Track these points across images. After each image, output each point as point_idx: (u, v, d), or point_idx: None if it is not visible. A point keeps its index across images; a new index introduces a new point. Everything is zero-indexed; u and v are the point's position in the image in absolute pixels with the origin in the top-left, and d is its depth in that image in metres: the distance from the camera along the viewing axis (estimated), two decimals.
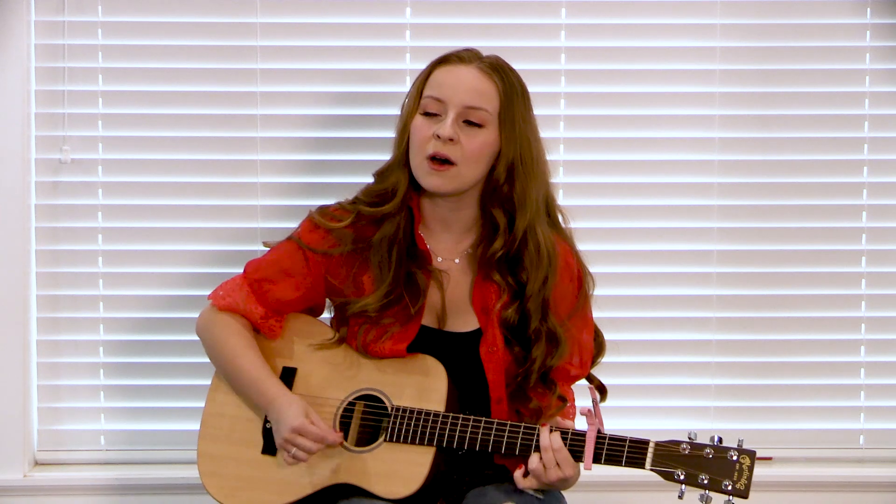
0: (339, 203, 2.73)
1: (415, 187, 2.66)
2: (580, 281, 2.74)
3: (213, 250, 3.32)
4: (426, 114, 2.60)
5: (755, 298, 3.37)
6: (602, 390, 2.74)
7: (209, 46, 3.29)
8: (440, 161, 2.57)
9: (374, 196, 2.67)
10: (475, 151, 2.59)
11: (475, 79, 2.60)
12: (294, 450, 2.55)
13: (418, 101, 2.62)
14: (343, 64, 3.30)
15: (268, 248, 2.78)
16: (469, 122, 2.59)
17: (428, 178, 2.59)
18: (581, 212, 3.23)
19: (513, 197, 2.63)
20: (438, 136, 2.56)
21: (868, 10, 3.33)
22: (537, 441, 2.51)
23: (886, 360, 3.40)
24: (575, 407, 2.70)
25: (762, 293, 3.37)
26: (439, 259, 2.69)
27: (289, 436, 2.55)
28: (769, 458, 3.36)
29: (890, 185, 3.37)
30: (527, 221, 2.62)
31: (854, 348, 3.40)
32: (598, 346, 2.80)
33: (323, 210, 2.73)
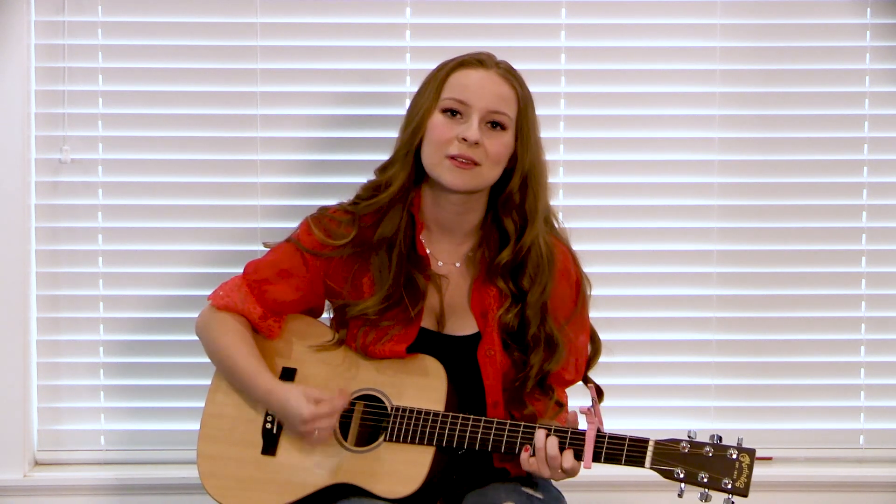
0: (339, 204, 2.73)
1: (416, 181, 2.66)
2: (578, 285, 2.75)
3: (213, 250, 3.32)
4: (446, 114, 2.60)
5: (755, 298, 3.37)
6: (599, 392, 2.74)
7: (209, 46, 3.29)
8: (465, 160, 2.58)
9: (372, 189, 2.68)
10: (497, 154, 2.60)
11: (497, 83, 2.61)
12: (316, 433, 2.57)
13: (436, 101, 2.61)
14: (343, 64, 3.30)
15: (268, 249, 2.78)
16: (491, 126, 2.59)
17: (449, 174, 2.58)
18: (581, 212, 3.25)
19: (525, 207, 2.64)
20: (464, 139, 2.57)
21: (868, 10, 3.33)
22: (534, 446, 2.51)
23: (886, 360, 3.40)
24: (568, 411, 2.70)
25: (762, 293, 3.37)
26: (440, 263, 2.70)
27: (304, 427, 2.56)
28: (769, 458, 3.36)
29: (890, 185, 3.37)
30: (535, 232, 2.63)
31: (854, 348, 3.40)
32: (595, 349, 2.80)
33: (323, 212, 2.73)
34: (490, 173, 2.61)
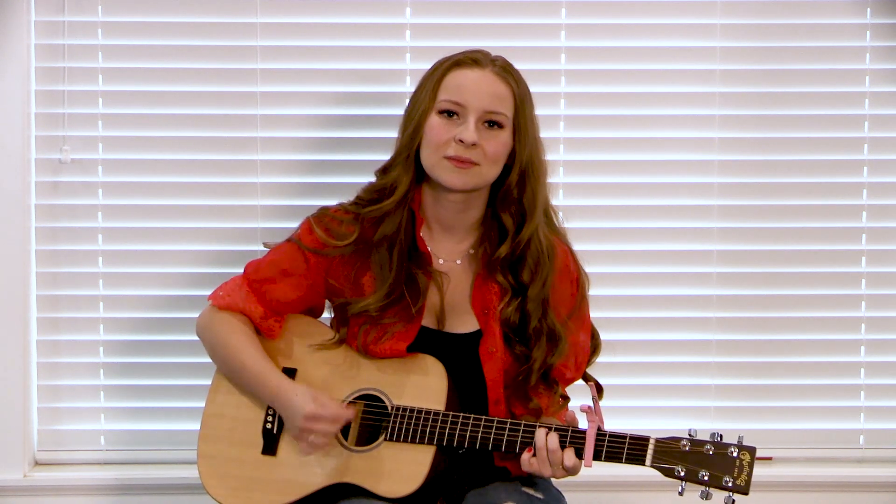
0: (340, 204, 2.73)
1: (418, 181, 2.66)
2: (578, 283, 2.74)
3: (213, 250, 3.32)
4: (443, 115, 2.60)
5: (755, 298, 3.37)
6: (599, 389, 2.74)
7: (209, 46, 3.29)
8: (463, 161, 2.58)
9: (375, 192, 2.68)
10: (495, 153, 2.60)
11: (493, 83, 2.60)
12: (312, 436, 2.55)
13: (433, 103, 2.61)
14: (343, 64, 3.30)
15: (268, 249, 2.78)
16: (487, 125, 2.59)
17: (449, 174, 2.59)
18: (581, 212, 3.25)
19: (523, 202, 2.64)
20: (461, 141, 2.57)
21: (868, 10, 3.33)
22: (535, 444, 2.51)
23: (886, 360, 3.40)
24: (568, 408, 2.71)
25: (762, 293, 3.37)
26: (441, 261, 2.69)
27: (304, 424, 2.55)
28: (769, 458, 3.36)
29: (890, 185, 3.37)
30: (534, 226, 2.63)
31: (854, 348, 3.40)
32: (594, 346, 2.81)
33: (324, 211, 2.72)
34: (489, 172, 2.61)
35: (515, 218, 2.65)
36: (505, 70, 2.63)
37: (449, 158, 2.58)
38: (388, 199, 2.64)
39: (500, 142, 2.60)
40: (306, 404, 2.55)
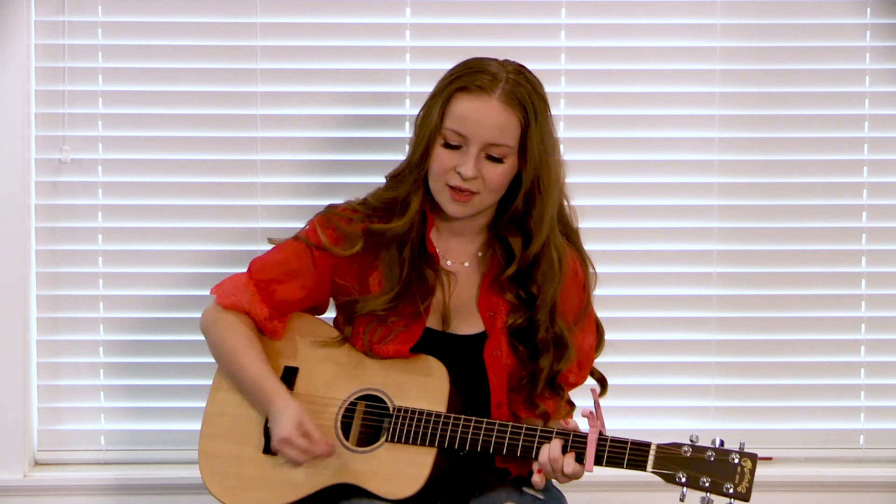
0: (347, 202, 2.72)
1: (426, 191, 2.65)
2: (585, 288, 2.75)
3: (213, 250, 3.32)
4: (447, 145, 2.59)
5: (755, 298, 3.37)
6: (602, 382, 2.75)
7: (209, 46, 3.29)
8: (463, 191, 2.58)
9: (384, 202, 2.66)
10: (496, 183, 2.59)
11: (497, 115, 2.56)
12: (280, 456, 2.58)
13: (440, 124, 2.58)
14: (343, 64, 3.30)
15: (272, 245, 2.76)
16: (490, 157, 2.58)
17: (449, 205, 2.59)
18: (581, 212, 3.21)
19: (529, 222, 2.63)
20: (460, 174, 2.57)
21: (868, 10, 3.32)
22: (537, 451, 2.51)
23: (886, 360, 3.40)
24: (572, 416, 2.71)
25: (762, 293, 3.37)
26: (449, 262, 2.69)
27: (277, 445, 2.56)
28: (769, 458, 3.36)
29: (890, 185, 3.37)
30: (541, 243, 2.63)
31: (854, 348, 3.40)
32: (598, 339, 2.80)
33: (332, 209, 2.72)
34: (489, 199, 2.61)
35: (522, 237, 2.64)
36: (512, 96, 2.57)
37: (450, 188, 2.58)
38: (400, 219, 2.63)
39: (500, 172, 2.58)
40: (285, 428, 2.54)
